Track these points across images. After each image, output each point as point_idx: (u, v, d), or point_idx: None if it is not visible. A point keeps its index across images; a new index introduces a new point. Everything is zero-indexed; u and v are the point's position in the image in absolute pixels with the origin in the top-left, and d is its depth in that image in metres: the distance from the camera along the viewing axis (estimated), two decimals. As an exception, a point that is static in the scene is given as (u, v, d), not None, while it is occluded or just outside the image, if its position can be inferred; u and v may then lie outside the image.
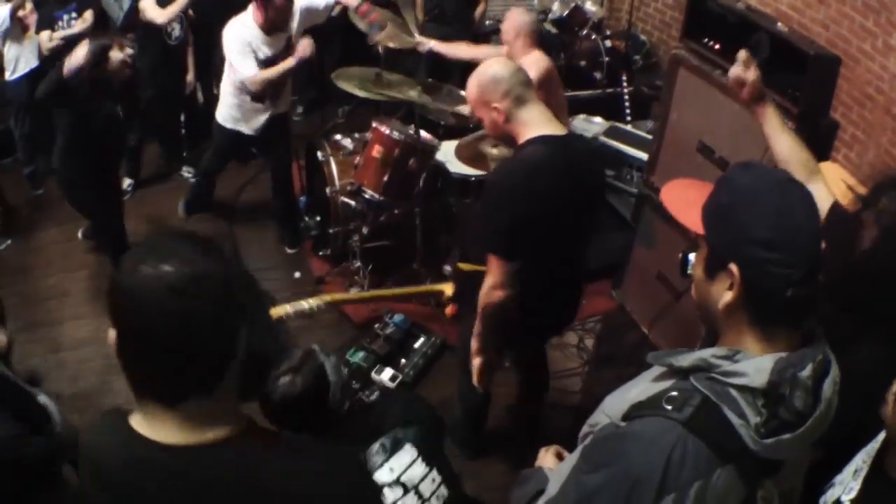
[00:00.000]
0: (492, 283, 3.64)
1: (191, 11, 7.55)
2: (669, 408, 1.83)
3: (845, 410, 1.88)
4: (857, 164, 6.29)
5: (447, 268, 3.85)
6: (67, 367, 5.54)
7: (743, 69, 3.30)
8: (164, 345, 1.63)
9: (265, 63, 6.03)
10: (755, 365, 1.78)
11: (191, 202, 7.10)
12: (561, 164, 3.56)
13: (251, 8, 5.98)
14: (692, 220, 1.97)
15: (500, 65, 3.72)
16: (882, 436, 2.55)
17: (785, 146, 3.29)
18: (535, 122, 3.63)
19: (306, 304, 3.94)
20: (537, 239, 3.58)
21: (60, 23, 7.15)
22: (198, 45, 7.66)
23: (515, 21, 5.87)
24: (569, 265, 4.00)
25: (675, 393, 1.86)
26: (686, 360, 1.89)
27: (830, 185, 4.03)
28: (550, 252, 3.70)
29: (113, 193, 6.29)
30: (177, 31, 7.18)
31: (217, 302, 1.66)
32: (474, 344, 3.92)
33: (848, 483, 2.59)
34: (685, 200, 2.07)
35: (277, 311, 3.97)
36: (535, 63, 5.81)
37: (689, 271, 2.10)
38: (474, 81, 3.69)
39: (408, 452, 2.97)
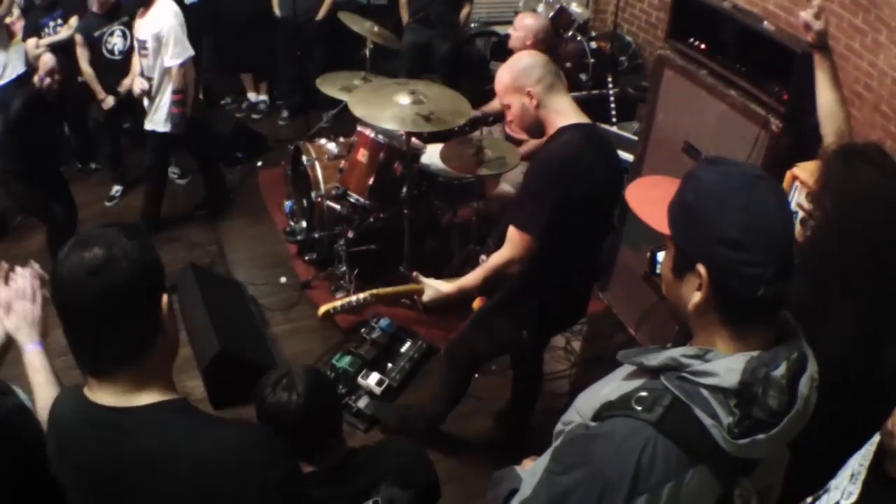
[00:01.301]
0: (511, 257, 3.70)
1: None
2: (639, 408, 1.81)
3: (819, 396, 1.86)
4: (847, 161, 6.31)
5: (483, 258, 3.88)
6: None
7: (813, 18, 3.53)
8: (87, 322, 1.87)
9: None
10: (726, 364, 1.76)
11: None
12: (597, 152, 3.69)
13: None
14: (658, 219, 1.94)
15: (533, 55, 3.83)
16: (877, 438, 2.54)
17: (829, 99, 3.54)
18: (568, 111, 3.73)
19: (356, 298, 3.96)
20: (570, 225, 3.62)
21: (47, 29, 7.21)
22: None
23: (531, 27, 5.98)
24: (590, 257, 4.10)
25: (644, 393, 1.84)
26: (656, 359, 1.87)
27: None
28: (578, 241, 3.78)
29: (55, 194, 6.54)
30: (119, 44, 7.13)
31: (131, 279, 1.86)
32: (453, 288, 3.90)
33: (845, 488, 2.57)
34: (651, 200, 2.03)
35: (325, 308, 3.99)
36: None
37: (657, 270, 2.09)
38: (506, 69, 3.76)
39: None
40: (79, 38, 7.01)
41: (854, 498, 2.48)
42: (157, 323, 1.97)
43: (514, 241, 3.68)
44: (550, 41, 6.10)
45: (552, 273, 3.81)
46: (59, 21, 7.24)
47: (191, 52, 6.52)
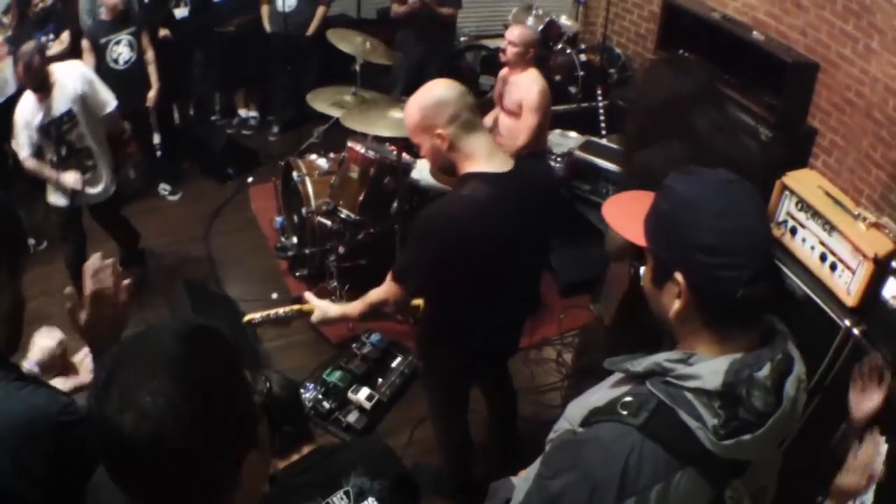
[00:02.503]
0: (384, 298, 3.56)
1: (166, 32, 7.63)
2: (625, 413, 1.83)
3: None
4: (837, 169, 6.31)
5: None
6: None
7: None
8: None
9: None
10: (709, 367, 1.78)
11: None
12: (502, 202, 3.32)
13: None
14: (635, 232, 1.95)
15: (446, 86, 3.41)
16: (884, 448, 2.58)
17: None
18: (479, 155, 3.38)
19: (281, 311, 3.91)
20: (474, 276, 3.43)
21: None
22: (170, 67, 7.62)
23: (531, 39, 6.05)
24: (517, 294, 3.82)
25: (629, 398, 1.86)
26: (641, 364, 1.89)
27: (807, 194, 4.07)
28: (492, 286, 3.51)
29: None
30: (125, 54, 7.13)
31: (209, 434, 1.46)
32: (337, 314, 3.79)
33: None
34: (627, 213, 2.04)
35: (248, 318, 3.92)
36: (537, 81, 5.98)
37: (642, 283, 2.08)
38: (416, 105, 3.39)
39: None
40: (86, 43, 7.04)
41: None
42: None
43: (389, 287, 3.52)
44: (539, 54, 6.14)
45: (466, 312, 3.63)
46: (52, 36, 7.22)
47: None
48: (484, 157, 3.37)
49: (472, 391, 4.37)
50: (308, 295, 3.90)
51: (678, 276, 1.81)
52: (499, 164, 3.40)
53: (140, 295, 6.29)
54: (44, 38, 7.11)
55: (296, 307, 3.92)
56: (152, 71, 7.30)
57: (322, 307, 3.79)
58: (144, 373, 1.42)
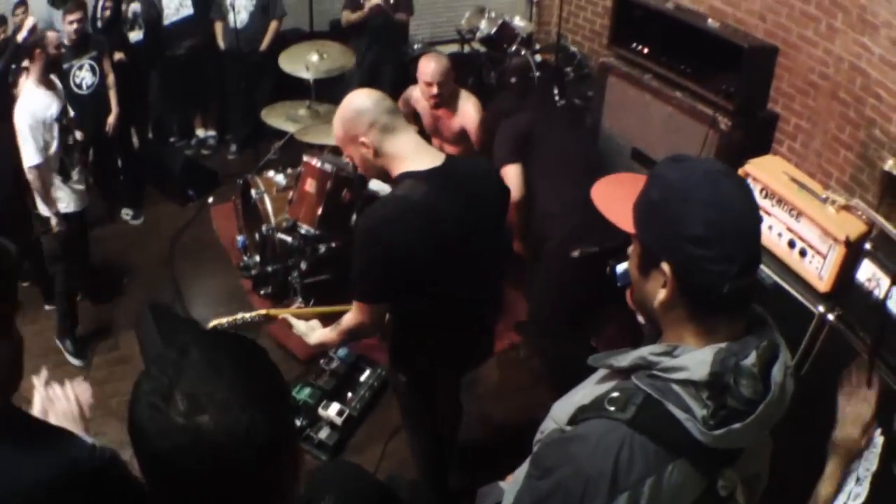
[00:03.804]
0: (358, 323, 3.50)
1: (121, 55, 7.54)
2: (612, 409, 1.82)
3: None
4: (803, 154, 6.30)
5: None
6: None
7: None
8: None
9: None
10: (695, 358, 1.77)
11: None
12: (442, 196, 3.35)
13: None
14: (622, 217, 1.94)
15: (363, 95, 3.48)
16: (880, 440, 2.58)
17: None
18: (406, 155, 3.41)
19: (247, 316, 3.88)
20: (424, 277, 3.40)
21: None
22: (127, 90, 7.55)
23: (447, 66, 5.83)
24: (474, 292, 3.74)
25: (616, 394, 1.85)
26: (625, 359, 1.89)
27: (771, 180, 4.04)
28: (446, 285, 3.49)
29: None
30: (87, 79, 7.07)
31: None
32: (315, 341, 3.76)
33: (851, 490, 2.64)
34: (615, 197, 2.04)
35: (214, 323, 3.90)
36: (468, 98, 5.97)
37: (619, 283, 2.07)
38: (337, 119, 3.46)
39: None
40: None
41: (862, 499, 2.59)
42: None
43: (356, 308, 3.49)
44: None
45: (428, 322, 3.63)
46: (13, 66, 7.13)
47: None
48: (411, 156, 3.41)
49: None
50: (292, 320, 3.85)
51: (665, 266, 1.79)
52: (429, 160, 3.42)
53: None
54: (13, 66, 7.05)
55: (262, 311, 3.97)
56: (112, 95, 7.28)
57: (302, 332, 3.79)
58: (207, 371, 1.43)
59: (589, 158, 5.04)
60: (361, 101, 3.42)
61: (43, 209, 5.85)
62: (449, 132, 6.06)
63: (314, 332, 3.76)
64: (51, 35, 5.77)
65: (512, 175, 5.14)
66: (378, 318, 3.52)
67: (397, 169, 3.41)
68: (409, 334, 3.76)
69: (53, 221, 5.87)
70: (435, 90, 5.74)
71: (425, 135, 6.23)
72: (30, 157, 5.62)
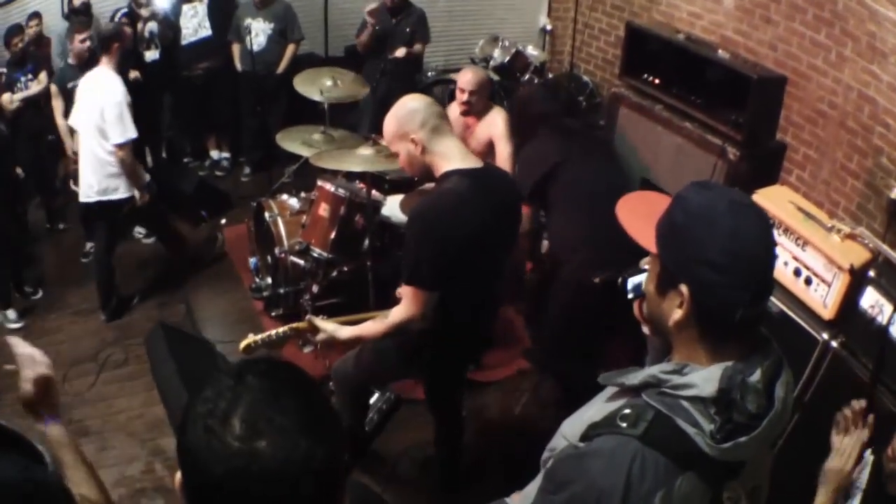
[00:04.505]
0: (410, 314, 3.66)
1: (137, 74, 7.63)
2: (624, 425, 1.87)
3: None
4: (811, 183, 6.30)
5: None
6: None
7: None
8: None
9: None
10: (703, 376, 1.83)
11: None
12: (481, 195, 3.61)
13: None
14: (644, 235, 1.98)
15: (416, 98, 3.82)
16: (870, 459, 2.61)
17: None
18: (452, 155, 3.69)
19: (280, 331, 3.93)
20: (461, 268, 3.63)
21: (19, 84, 7.27)
22: (141, 109, 7.58)
23: (483, 78, 6.02)
24: (488, 291, 4.02)
25: (628, 410, 1.90)
26: (636, 377, 1.94)
27: (778, 210, 4.08)
28: (473, 280, 3.76)
29: None
30: None
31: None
32: (350, 335, 3.86)
33: None
34: (641, 216, 2.06)
35: (247, 342, 3.95)
36: (499, 112, 6.01)
37: (629, 296, 2.13)
38: (392, 115, 3.75)
39: None
40: (54, 88, 7.04)
41: None
42: None
43: (408, 298, 3.66)
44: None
45: (450, 313, 3.77)
46: (30, 76, 7.27)
47: None
48: (458, 157, 3.70)
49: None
50: (316, 320, 3.95)
51: (683, 288, 1.84)
52: (471, 162, 3.74)
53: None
54: (23, 78, 7.20)
55: (292, 325, 4.01)
56: None
57: (330, 330, 3.88)
58: (265, 397, 1.43)
59: (611, 185, 5.04)
60: (415, 102, 3.76)
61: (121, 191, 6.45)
62: (477, 143, 6.12)
63: (342, 329, 3.87)
64: (129, 31, 6.19)
65: (525, 212, 5.10)
66: (429, 309, 3.65)
67: (443, 167, 3.69)
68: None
69: (137, 195, 6.52)
70: (465, 97, 5.95)
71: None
72: (128, 132, 6.17)
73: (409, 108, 3.71)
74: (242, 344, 3.96)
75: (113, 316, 6.80)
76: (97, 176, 6.36)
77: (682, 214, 1.86)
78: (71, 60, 7.02)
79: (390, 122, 3.75)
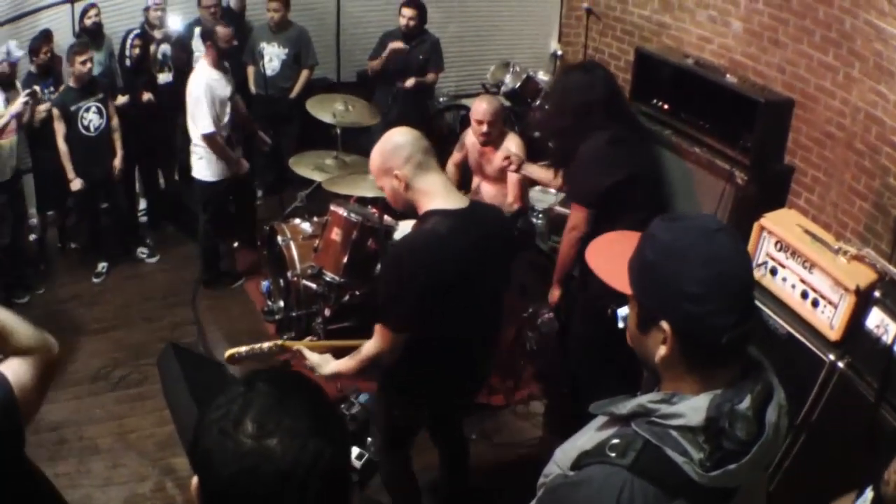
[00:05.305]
0: (378, 350, 3.65)
1: (150, 96, 7.72)
2: (613, 455, 1.87)
3: None
4: (820, 205, 6.29)
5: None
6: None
7: None
8: None
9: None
10: (691, 405, 1.82)
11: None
12: (462, 235, 3.53)
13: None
14: (617, 278, 1.98)
15: (403, 133, 3.70)
16: (870, 496, 2.60)
17: None
18: (436, 193, 3.61)
19: (264, 346, 3.95)
20: (444, 307, 3.55)
21: (45, 93, 7.27)
22: (154, 131, 7.87)
23: (497, 108, 6.03)
24: (479, 329, 3.92)
25: (617, 440, 1.90)
26: (625, 407, 1.94)
27: (786, 233, 4.09)
28: (457, 320, 3.65)
29: None
30: (94, 121, 7.20)
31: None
32: (329, 372, 3.86)
33: None
34: (611, 258, 2.06)
35: (231, 352, 3.97)
36: (513, 138, 6.06)
37: (620, 325, 2.15)
38: (377, 150, 3.67)
39: None
40: (56, 111, 7.04)
41: None
42: None
43: (378, 335, 3.63)
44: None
45: (438, 353, 3.73)
46: (52, 88, 7.29)
47: None
48: (441, 195, 3.62)
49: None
50: (306, 352, 3.94)
51: (664, 325, 1.84)
52: (455, 201, 3.64)
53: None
54: (46, 91, 7.22)
55: (278, 342, 4.03)
56: (117, 138, 7.45)
57: (316, 363, 3.87)
58: (275, 402, 1.52)
59: (653, 205, 4.82)
60: (401, 137, 3.65)
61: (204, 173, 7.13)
62: (491, 168, 6.17)
63: (328, 364, 3.86)
64: (220, 30, 6.54)
65: (581, 217, 5.00)
66: (399, 346, 3.62)
67: (426, 205, 3.61)
68: (407, 364, 3.78)
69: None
70: (485, 129, 5.94)
71: (469, 171, 6.48)
72: (206, 125, 6.62)
73: (394, 143, 3.63)
74: (227, 353, 3.99)
75: (208, 284, 7.55)
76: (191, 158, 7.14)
77: (652, 252, 1.87)
78: (72, 83, 7.07)
79: (375, 156, 3.67)
